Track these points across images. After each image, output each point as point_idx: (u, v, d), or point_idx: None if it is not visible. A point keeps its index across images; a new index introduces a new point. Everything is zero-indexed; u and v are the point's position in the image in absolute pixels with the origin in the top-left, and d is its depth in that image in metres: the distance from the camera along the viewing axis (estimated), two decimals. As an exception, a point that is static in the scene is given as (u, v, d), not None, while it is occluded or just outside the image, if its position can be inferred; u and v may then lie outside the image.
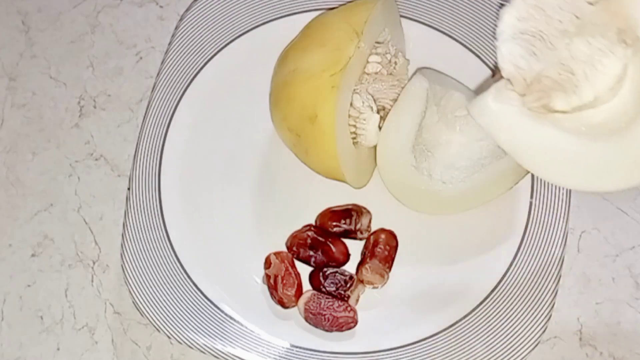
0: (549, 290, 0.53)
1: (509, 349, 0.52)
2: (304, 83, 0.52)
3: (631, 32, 0.41)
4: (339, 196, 0.57)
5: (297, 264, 0.56)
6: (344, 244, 0.56)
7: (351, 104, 0.53)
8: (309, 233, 0.56)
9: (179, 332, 0.53)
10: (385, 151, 0.54)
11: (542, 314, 0.52)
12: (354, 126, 0.54)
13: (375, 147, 0.55)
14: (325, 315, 0.53)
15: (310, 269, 0.56)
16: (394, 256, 0.56)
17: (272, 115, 0.55)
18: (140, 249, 0.55)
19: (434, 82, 0.55)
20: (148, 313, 0.53)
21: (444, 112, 0.56)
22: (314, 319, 0.54)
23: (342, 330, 0.54)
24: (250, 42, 0.61)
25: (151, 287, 0.54)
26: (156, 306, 0.53)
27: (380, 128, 0.55)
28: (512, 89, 0.44)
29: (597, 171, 0.42)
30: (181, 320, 0.53)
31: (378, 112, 0.55)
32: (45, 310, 0.57)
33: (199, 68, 0.60)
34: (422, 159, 0.55)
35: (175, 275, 0.55)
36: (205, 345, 0.52)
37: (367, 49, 0.53)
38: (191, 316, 0.53)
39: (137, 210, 0.56)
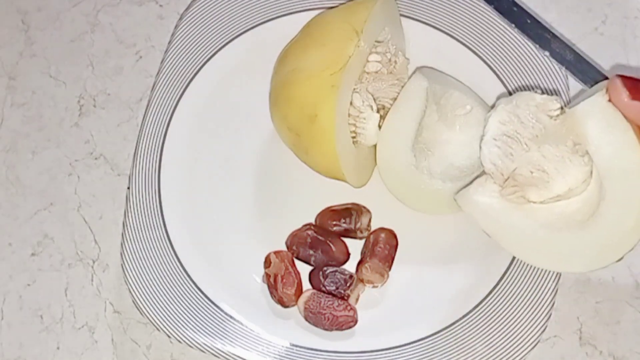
0: (549, 289, 0.53)
1: (509, 348, 0.52)
2: (303, 82, 0.52)
3: (582, 147, 0.49)
4: (339, 195, 0.57)
5: (297, 263, 0.56)
6: (344, 243, 0.56)
7: (351, 103, 0.53)
8: (309, 232, 0.56)
9: (179, 331, 0.53)
10: (385, 150, 0.54)
11: (542, 313, 0.52)
12: (354, 125, 0.54)
13: (375, 146, 0.55)
14: (325, 314, 0.53)
15: (310, 268, 0.56)
16: (394, 255, 0.56)
17: (272, 115, 0.55)
18: (140, 248, 0.55)
19: (434, 81, 0.55)
20: (148, 312, 0.53)
21: (444, 111, 0.56)
22: (314, 318, 0.54)
23: (342, 329, 0.54)
24: (250, 41, 0.61)
25: (151, 286, 0.54)
26: (156, 305, 0.53)
27: (380, 127, 0.55)
28: (493, 183, 0.51)
29: (561, 255, 0.50)
30: (181, 319, 0.53)
31: (378, 111, 0.55)
32: (45, 310, 0.57)
33: (198, 67, 0.60)
34: (422, 158, 0.55)
35: (175, 274, 0.55)
36: (205, 344, 0.52)
37: (367, 48, 0.53)
38: (191, 315, 0.53)
39: (137, 209, 0.56)
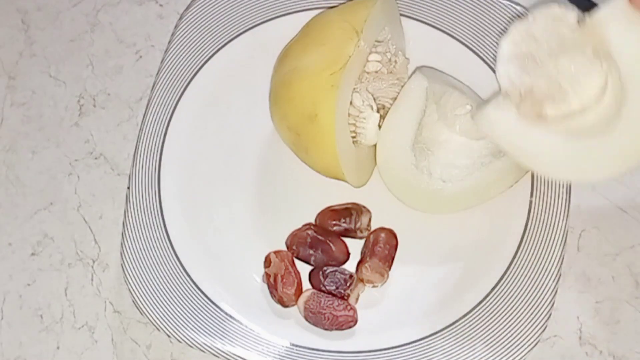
0: (549, 289, 0.53)
1: (508, 347, 0.52)
2: (303, 82, 0.52)
3: (602, 52, 0.48)
4: (339, 195, 0.57)
5: (297, 263, 0.56)
6: (344, 242, 0.56)
7: (351, 103, 0.53)
8: (309, 232, 0.56)
9: (179, 331, 0.53)
10: (385, 150, 0.54)
11: (542, 313, 0.52)
12: (354, 125, 0.54)
13: (375, 145, 0.55)
14: (325, 314, 0.53)
15: (310, 268, 0.56)
16: (394, 255, 0.56)
17: (272, 114, 0.55)
18: (139, 248, 0.55)
19: (434, 81, 0.55)
20: (148, 312, 0.53)
21: (444, 110, 0.56)
22: (314, 317, 0.54)
23: (342, 329, 0.54)
24: (250, 40, 0.61)
25: (151, 286, 0.54)
26: (156, 305, 0.53)
27: (380, 127, 0.55)
28: (509, 101, 0.51)
29: (584, 164, 0.48)
30: (181, 318, 0.53)
31: (378, 111, 0.55)
32: (45, 309, 0.57)
33: (199, 66, 0.60)
34: (422, 157, 0.55)
35: (175, 274, 0.55)
36: (205, 344, 0.52)
37: (366, 47, 0.53)
38: (191, 315, 0.54)
39: (137, 209, 0.56)
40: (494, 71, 0.58)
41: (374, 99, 0.55)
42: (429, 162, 0.55)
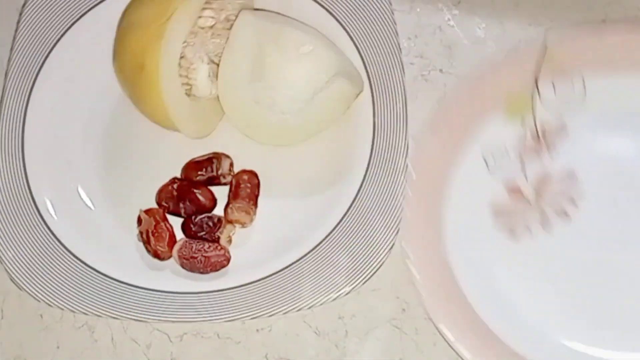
0: (399, 194, 0.56)
1: (368, 255, 0.55)
2: (133, 34, 0.55)
3: None
4: (201, 147, 0.60)
5: (172, 219, 0.58)
6: (209, 190, 0.59)
7: (184, 57, 0.56)
8: (174, 186, 0.58)
9: (65, 302, 0.55)
10: (224, 90, 0.57)
11: (394, 219, 0.55)
12: (186, 77, 0.56)
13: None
14: (197, 257, 0.56)
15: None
16: (258, 193, 0.59)
17: (114, 70, 0.57)
18: (11, 224, 0.57)
19: (265, 20, 0.58)
20: (26, 286, 0.55)
21: (286, 49, 0.59)
22: (189, 263, 0.56)
23: (217, 270, 0.57)
24: (106, 10, 0.61)
25: (26, 260, 0.56)
26: (33, 278, 0.55)
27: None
28: None
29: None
30: (61, 289, 0.56)
31: (215, 64, 0.58)
32: (44, 309, 0.57)
33: (49, 48, 0.61)
34: (265, 94, 0.57)
35: (50, 248, 0.57)
36: (91, 308, 0.55)
37: (196, 2, 0.56)
38: (74, 285, 0.56)
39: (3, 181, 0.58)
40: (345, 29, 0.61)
41: (213, 54, 0.57)
42: (274, 98, 0.58)
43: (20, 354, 0.57)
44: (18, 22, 0.62)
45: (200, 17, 0.57)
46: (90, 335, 0.57)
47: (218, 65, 0.58)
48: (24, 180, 0.58)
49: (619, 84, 0.54)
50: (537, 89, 0.54)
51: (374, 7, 0.60)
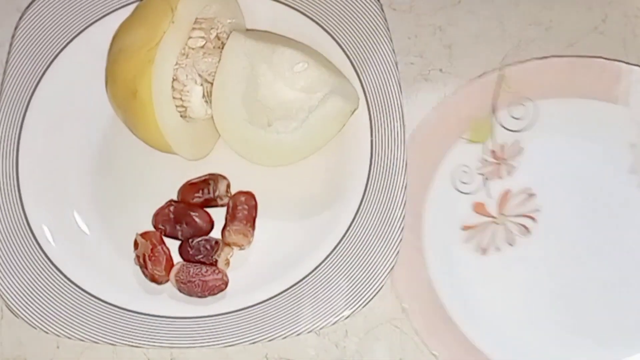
0: (398, 216, 0.55)
1: (368, 278, 0.54)
2: (125, 60, 0.54)
3: None
4: (199, 169, 0.59)
5: (169, 241, 0.58)
6: (206, 212, 0.58)
7: (176, 79, 0.55)
8: (170, 208, 0.58)
9: (62, 329, 0.55)
10: (218, 111, 0.56)
11: (394, 240, 0.55)
12: (180, 100, 0.56)
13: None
14: (194, 281, 0.55)
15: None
16: (255, 215, 0.58)
17: (108, 97, 0.57)
18: (6, 250, 0.56)
19: (258, 40, 0.57)
20: (23, 314, 0.55)
21: (279, 69, 0.58)
22: (187, 287, 0.56)
23: (215, 294, 0.56)
24: (98, 33, 0.61)
25: (22, 286, 0.55)
26: (29, 304, 0.55)
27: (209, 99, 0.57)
28: None
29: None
30: (58, 315, 0.55)
31: (209, 83, 0.57)
32: None
33: (47, 65, 0.61)
34: (260, 115, 0.57)
35: (47, 274, 0.56)
36: (91, 336, 0.55)
37: (185, 24, 0.55)
38: (71, 311, 0.55)
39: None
40: (334, 39, 0.60)
41: (208, 74, 0.57)
42: (269, 119, 0.57)
43: (20, 354, 0.57)
44: (10, 44, 0.61)
45: (190, 37, 0.56)
46: (91, 335, 0.57)
47: (212, 84, 0.57)
48: (20, 206, 0.58)
49: (567, 107, 0.59)
50: (495, 114, 0.58)
51: (368, 21, 0.60)
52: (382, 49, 0.59)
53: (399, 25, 0.62)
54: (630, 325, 0.55)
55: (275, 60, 0.58)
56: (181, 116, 0.56)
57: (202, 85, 0.56)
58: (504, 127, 0.58)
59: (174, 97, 0.55)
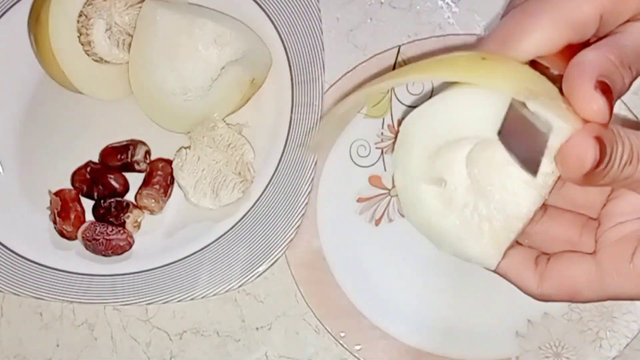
0: (304, 192, 0.56)
1: (266, 249, 0.55)
2: None
3: None
4: (125, 134, 0.60)
5: (85, 200, 0.59)
6: (122, 175, 0.59)
7: (85, 15, 0.56)
8: (88, 169, 0.59)
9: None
10: (133, 73, 0.57)
11: (296, 218, 0.55)
12: (86, 34, 0.57)
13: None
14: (99, 239, 0.56)
15: (97, 203, 0.59)
16: (170, 182, 0.58)
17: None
18: None
19: (176, 12, 0.58)
20: None
21: (201, 41, 0.58)
22: (91, 245, 0.56)
23: (119, 254, 0.57)
24: None
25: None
26: None
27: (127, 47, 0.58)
28: None
29: None
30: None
31: (110, 28, 0.58)
32: (44, 307, 0.58)
33: None
34: (177, 83, 0.57)
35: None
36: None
37: None
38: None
39: None
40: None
41: (121, 24, 0.58)
42: (185, 87, 0.58)
43: (20, 352, 0.57)
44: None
45: None
46: (90, 333, 0.57)
47: (127, 34, 0.58)
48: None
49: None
50: (393, 90, 0.59)
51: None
52: (308, 15, 0.59)
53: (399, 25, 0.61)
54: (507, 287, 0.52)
55: (196, 33, 0.58)
56: (87, 54, 0.57)
57: (108, 24, 0.57)
58: (402, 103, 0.59)
59: (79, 32, 0.56)
